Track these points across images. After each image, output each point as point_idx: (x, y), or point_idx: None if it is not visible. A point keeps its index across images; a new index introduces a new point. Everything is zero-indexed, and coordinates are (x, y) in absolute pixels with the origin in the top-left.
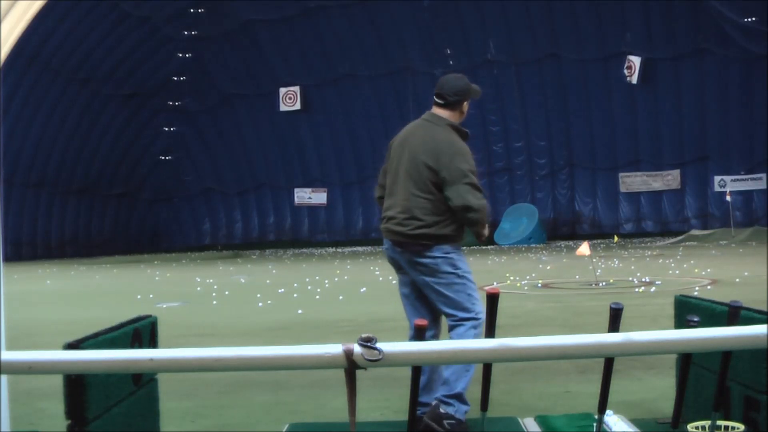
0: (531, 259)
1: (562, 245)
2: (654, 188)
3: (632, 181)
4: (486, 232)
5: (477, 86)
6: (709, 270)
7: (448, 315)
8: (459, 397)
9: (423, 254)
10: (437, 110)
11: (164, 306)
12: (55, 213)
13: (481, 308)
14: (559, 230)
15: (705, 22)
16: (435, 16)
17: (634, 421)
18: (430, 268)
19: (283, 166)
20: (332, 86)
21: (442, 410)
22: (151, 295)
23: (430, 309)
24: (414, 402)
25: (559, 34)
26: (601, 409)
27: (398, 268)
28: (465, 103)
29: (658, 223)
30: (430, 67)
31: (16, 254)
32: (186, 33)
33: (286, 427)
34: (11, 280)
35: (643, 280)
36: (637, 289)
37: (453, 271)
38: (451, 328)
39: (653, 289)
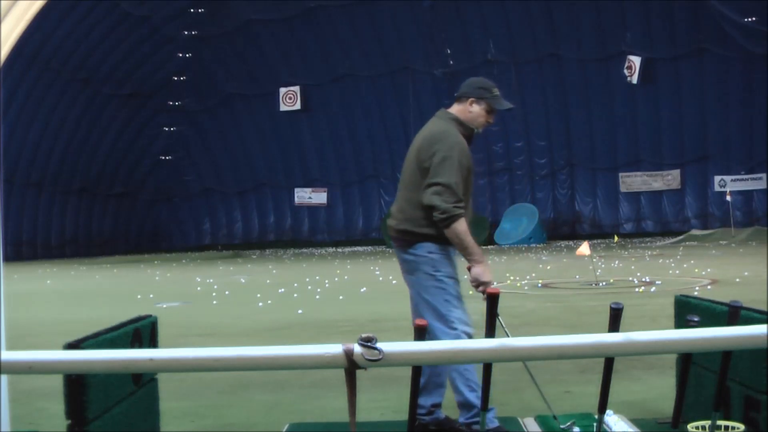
0: (531, 259)
1: (562, 245)
2: (654, 188)
3: (632, 181)
4: (481, 268)
5: (497, 92)
6: (709, 270)
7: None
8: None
9: (407, 250)
10: (452, 107)
11: (164, 306)
12: (55, 213)
13: (459, 315)
14: (559, 230)
15: (705, 22)
16: (435, 16)
17: (634, 421)
18: (412, 266)
19: (283, 166)
20: (332, 86)
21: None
22: (151, 295)
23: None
24: (414, 402)
25: (559, 34)
26: (601, 409)
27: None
28: (473, 100)
29: (658, 223)
30: (430, 67)
31: (16, 254)
32: (186, 33)
33: (286, 427)
34: (11, 280)
35: (643, 280)
36: (637, 289)
37: (432, 272)
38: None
39: (653, 289)
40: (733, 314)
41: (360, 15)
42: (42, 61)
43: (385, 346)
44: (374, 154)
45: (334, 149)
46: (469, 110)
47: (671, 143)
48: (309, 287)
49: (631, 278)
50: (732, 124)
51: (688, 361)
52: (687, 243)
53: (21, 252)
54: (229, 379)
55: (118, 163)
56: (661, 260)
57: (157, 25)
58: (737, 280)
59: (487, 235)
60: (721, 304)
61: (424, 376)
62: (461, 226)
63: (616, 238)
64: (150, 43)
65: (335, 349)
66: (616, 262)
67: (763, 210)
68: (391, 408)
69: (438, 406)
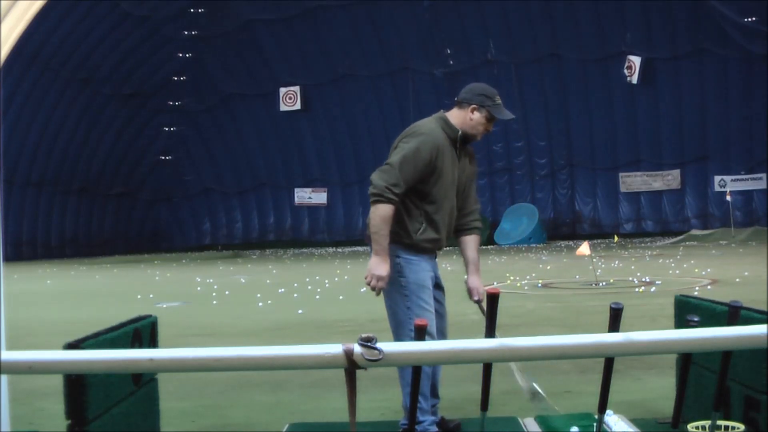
0: (531, 259)
1: (562, 245)
2: (654, 188)
3: (632, 181)
4: (376, 259)
5: (499, 101)
6: (709, 270)
7: (391, 327)
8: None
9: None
10: (451, 110)
11: (164, 306)
12: (55, 213)
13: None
14: (559, 230)
15: (705, 22)
16: (435, 16)
17: (634, 421)
18: None
19: (283, 166)
20: (332, 86)
21: None
22: (151, 295)
23: None
24: (414, 402)
25: (559, 34)
26: (601, 409)
27: None
28: (474, 107)
29: (658, 223)
30: (430, 67)
31: (16, 254)
32: (186, 33)
33: (286, 427)
34: (11, 280)
35: (643, 280)
36: (637, 289)
37: (396, 277)
38: None
39: (653, 289)
40: (733, 314)
41: (360, 15)
42: (42, 61)
43: (385, 346)
44: (374, 154)
45: (334, 149)
46: (470, 117)
47: (671, 143)
48: (309, 287)
49: (631, 278)
50: (732, 124)
51: (688, 361)
52: (687, 243)
53: (21, 252)
54: (229, 379)
55: (118, 163)
56: (661, 260)
57: (157, 25)
58: (737, 280)
59: (487, 235)
60: (721, 304)
61: (429, 380)
62: (384, 211)
63: (616, 238)
64: (150, 43)
65: (335, 349)
66: (616, 262)
67: (763, 210)
68: (391, 408)
69: (435, 406)
